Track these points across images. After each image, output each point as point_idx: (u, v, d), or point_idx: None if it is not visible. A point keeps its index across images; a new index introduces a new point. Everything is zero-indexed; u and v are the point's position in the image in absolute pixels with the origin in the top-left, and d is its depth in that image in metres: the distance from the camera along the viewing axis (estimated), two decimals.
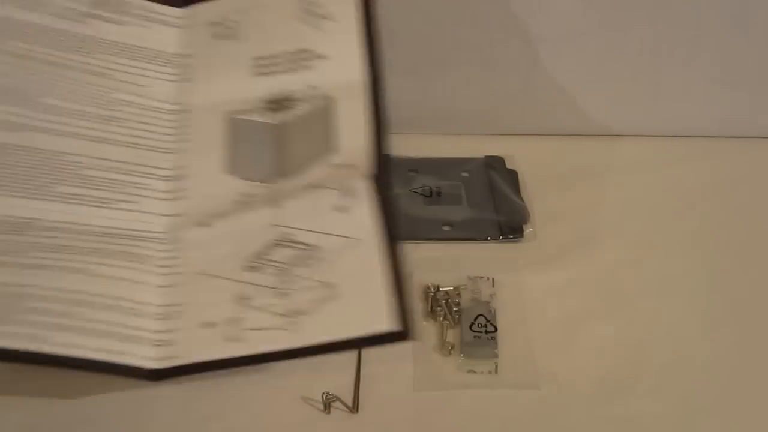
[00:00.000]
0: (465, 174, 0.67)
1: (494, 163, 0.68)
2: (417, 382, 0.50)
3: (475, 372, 0.50)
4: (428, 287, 0.55)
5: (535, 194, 0.65)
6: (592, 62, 0.67)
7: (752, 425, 0.48)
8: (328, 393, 0.47)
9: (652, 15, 0.64)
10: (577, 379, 0.50)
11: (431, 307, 0.54)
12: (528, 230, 0.61)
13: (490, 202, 0.63)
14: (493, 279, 0.56)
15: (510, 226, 0.61)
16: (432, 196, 0.64)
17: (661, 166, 0.68)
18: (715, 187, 0.66)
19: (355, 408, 0.48)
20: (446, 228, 0.61)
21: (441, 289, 0.55)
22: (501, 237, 0.60)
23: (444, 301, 0.54)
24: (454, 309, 0.53)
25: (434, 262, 0.58)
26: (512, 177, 0.66)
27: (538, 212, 0.63)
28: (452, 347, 0.51)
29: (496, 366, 0.50)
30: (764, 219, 0.63)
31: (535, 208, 0.63)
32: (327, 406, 0.48)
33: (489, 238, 0.60)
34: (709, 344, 0.52)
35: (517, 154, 0.69)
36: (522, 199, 0.64)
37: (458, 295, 0.55)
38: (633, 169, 0.67)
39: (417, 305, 0.55)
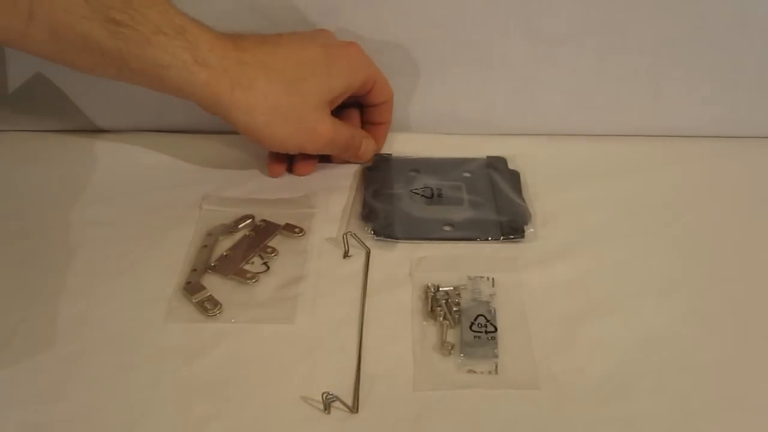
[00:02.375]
0: (467, 174, 0.66)
1: (496, 164, 0.67)
2: (417, 382, 0.50)
3: (475, 372, 0.50)
4: (428, 287, 0.55)
5: (535, 194, 0.65)
6: (592, 62, 0.67)
7: (752, 425, 0.48)
8: (328, 393, 0.47)
9: (652, 15, 0.65)
10: (577, 379, 0.50)
11: (431, 307, 0.54)
12: (529, 231, 0.60)
13: (491, 203, 0.63)
14: (493, 279, 0.56)
15: (511, 226, 0.60)
16: (433, 197, 0.64)
17: (661, 166, 0.68)
18: (715, 187, 0.66)
19: (355, 408, 0.48)
20: (447, 228, 0.61)
21: (441, 289, 0.55)
22: (502, 237, 0.60)
23: (444, 301, 0.54)
24: (454, 309, 0.53)
25: (434, 262, 0.58)
26: (514, 178, 0.66)
27: (538, 212, 0.63)
28: (452, 347, 0.51)
29: (496, 366, 0.50)
30: (764, 219, 0.63)
31: (535, 208, 0.63)
32: (327, 406, 0.48)
33: (490, 238, 0.60)
34: (709, 344, 0.52)
35: (518, 154, 0.69)
36: (524, 200, 0.63)
37: (458, 295, 0.55)
38: (633, 169, 0.67)
39: (417, 305, 0.55)
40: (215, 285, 0.56)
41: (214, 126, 0.72)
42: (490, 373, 0.50)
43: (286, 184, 0.66)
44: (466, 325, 0.53)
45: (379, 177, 0.66)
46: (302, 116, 0.60)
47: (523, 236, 0.60)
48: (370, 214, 0.62)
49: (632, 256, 0.59)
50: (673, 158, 0.68)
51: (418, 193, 0.64)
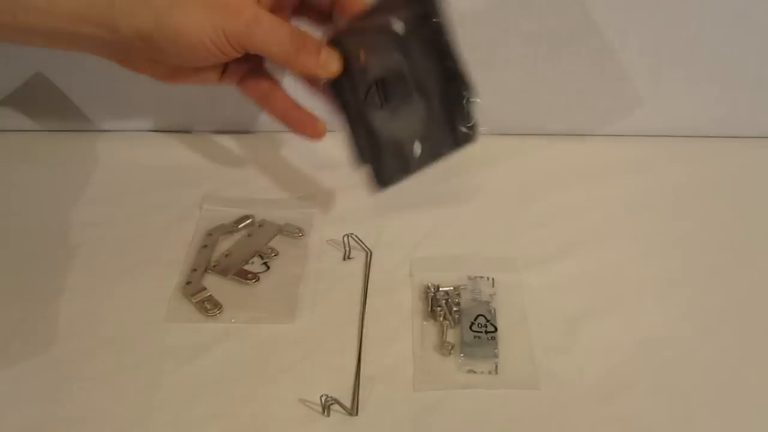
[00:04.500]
0: (399, 29, 0.52)
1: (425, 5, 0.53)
2: (417, 382, 0.50)
3: (475, 372, 0.50)
4: (428, 287, 0.55)
5: (535, 194, 0.65)
6: (592, 62, 0.67)
7: (752, 425, 0.48)
8: (327, 395, 0.47)
9: (652, 15, 0.64)
10: (577, 379, 0.50)
11: (431, 307, 0.54)
12: (480, 124, 0.54)
13: (435, 83, 0.54)
14: (493, 279, 0.56)
15: (464, 123, 0.54)
16: (383, 104, 0.54)
17: (661, 166, 0.68)
18: (715, 187, 0.66)
19: (354, 411, 0.48)
20: (418, 148, 0.54)
21: (441, 289, 0.55)
22: (457, 146, 0.54)
23: (444, 301, 0.54)
24: (454, 309, 0.53)
25: (434, 262, 0.58)
26: (441, 29, 0.53)
27: (539, 212, 0.63)
28: (452, 347, 0.51)
29: (496, 366, 0.50)
30: (764, 219, 0.63)
31: (536, 208, 0.63)
32: (326, 409, 0.48)
33: (444, 153, 0.54)
34: (709, 344, 0.52)
35: (518, 154, 0.69)
36: (461, 64, 0.53)
37: (458, 295, 0.55)
38: (633, 169, 0.67)
39: (417, 305, 0.55)
40: (215, 285, 0.56)
41: (214, 126, 0.72)
42: (490, 373, 0.50)
43: (287, 184, 0.66)
44: (466, 325, 0.53)
45: (343, 82, 0.54)
46: None
47: (474, 137, 0.54)
48: (360, 153, 0.55)
49: (632, 256, 0.59)
50: (673, 158, 0.68)
51: (372, 103, 0.54)
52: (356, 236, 0.59)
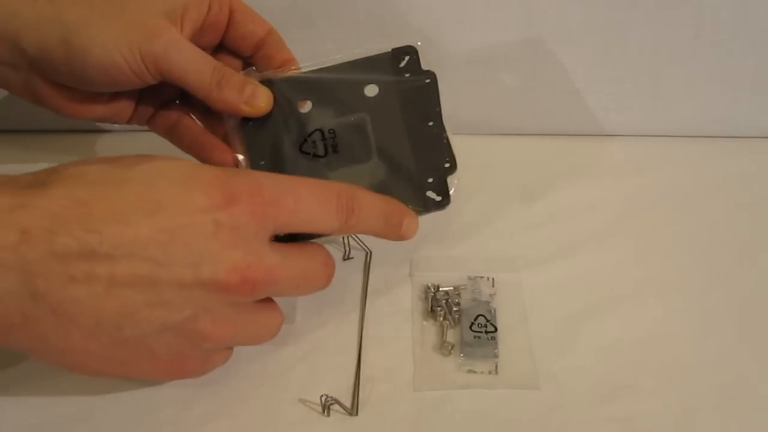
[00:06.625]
0: (370, 93, 0.50)
1: (407, 67, 0.50)
2: (417, 382, 0.50)
3: (475, 372, 0.50)
4: (428, 287, 0.55)
5: (535, 194, 0.65)
6: (592, 62, 0.67)
7: (752, 425, 0.48)
8: (327, 395, 0.47)
9: (652, 15, 0.64)
10: (577, 379, 0.50)
11: (431, 307, 0.54)
12: (452, 187, 0.51)
13: (406, 146, 0.50)
14: (493, 279, 0.56)
15: (436, 188, 0.51)
16: (327, 153, 0.49)
17: (661, 166, 0.68)
18: (715, 187, 0.66)
19: (354, 411, 0.48)
20: None
21: (441, 289, 0.55)
22: (423, 209, 0.51)
23: (444, 301, 0.54)
24: (454, 309, 0.53)
25: (434, 262, 0.58)
26: (430, 89, 0.50)
27: (539, 212, 0.63)
28: (452, 347, 0.51)
29: (496, 366, 0.51)
30: (764, 219, 0.63)
31: (536, 208, 0.63)
32: (326, 409, 0.48)
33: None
34: (709, 344, 0.52)
35: (518, 154, 0.69)
36: (444, 129, 0.50)
37: (458, 295, 0.55)
38: (632, 169, 0.67)
39: (417, 305, 0.55)
40: None
41: None
42: (490, 373, 0.50)
43: None
44: (466, 325, 0.53)
45: (263, 126, 0.50)
46: (126, 7, 0.47)
47: (448, 201, 0.51)
48: None
49: (632, 256, 0.59)
50: (673, 158, 0.68)
51: (308, 153, 0.50)
52: (356, 236, 0.59)
